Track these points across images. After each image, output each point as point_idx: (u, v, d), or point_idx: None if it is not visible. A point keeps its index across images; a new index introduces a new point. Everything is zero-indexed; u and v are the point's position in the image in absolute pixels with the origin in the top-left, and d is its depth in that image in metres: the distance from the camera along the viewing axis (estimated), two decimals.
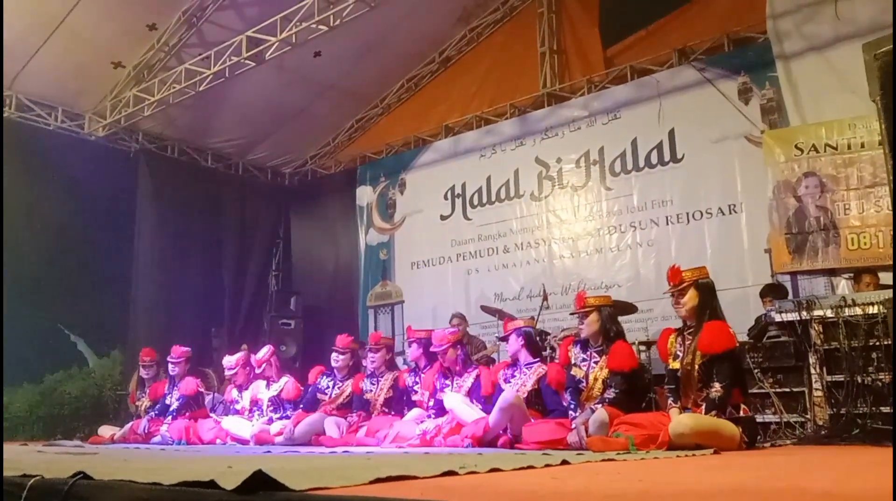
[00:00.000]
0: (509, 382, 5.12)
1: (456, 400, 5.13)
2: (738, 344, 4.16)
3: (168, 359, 7.23)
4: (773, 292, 6.24)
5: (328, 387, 6.41)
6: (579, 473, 2.40)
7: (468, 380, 5.43)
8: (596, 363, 4.58)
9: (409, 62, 10.17)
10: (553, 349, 6.22)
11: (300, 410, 6.30)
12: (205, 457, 3.83)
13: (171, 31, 8.65)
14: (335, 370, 6.43)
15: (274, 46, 7.68)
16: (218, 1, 8.37)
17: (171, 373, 7.20)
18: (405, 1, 7.47)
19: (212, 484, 1.71)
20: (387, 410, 6.02)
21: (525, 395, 4.95)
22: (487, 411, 4.97)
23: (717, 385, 3.94)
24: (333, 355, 6.39)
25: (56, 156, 9.12)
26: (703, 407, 3.96)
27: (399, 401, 6.04)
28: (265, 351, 6.78)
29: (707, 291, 4.21)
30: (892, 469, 2.08)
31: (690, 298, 4.19)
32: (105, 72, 9.01)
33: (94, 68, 8.93)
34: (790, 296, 6.32)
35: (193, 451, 5.20)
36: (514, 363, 5.26)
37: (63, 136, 9.40)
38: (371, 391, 6.15)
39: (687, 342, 4.18)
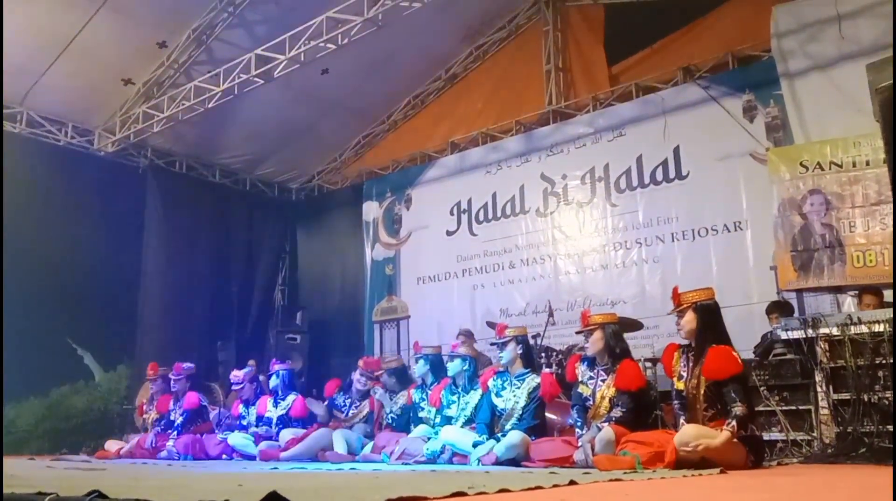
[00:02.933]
0: (500, 396, 5.11)
1: (451, 434, 5.13)
2: (744, 367, 4.15)
3: (170, 375, 7.25)
4: (779, 309, 6.25)
5: (344, 405, 6.41)
6: (588, 494, 2.42)
7: (474, 397, 5.43)
8: (603, 381, 4.57)
9: (416, 79, 10.26)
10: (560, 365, 6.22)
11: (316, 424, 6.31)
12: (213, 474, 3.85)
13: (181, 48, 8.76)
14: (354, 390, 6.44)
15: (282, 64, 7.77)
16: (227, 19, 8.48)
17: (173, 389, 7.22)
18: (412, 20, 7.53)
19: None
20: (395, 426, 6.01)
21: (520, 413, 4.95)
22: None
23: (739, 405, 3.93)
24: (360, 378, 6.38)
25: (66, 171, 9.23)
26: (733, 424, 3.91)
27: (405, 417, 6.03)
28: (281, 366, 6.80)
29: (707, 313, 4.20)
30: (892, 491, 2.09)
31: (688, 320, 4.20)
32: (115, 88, 9.12)
33: (104, 85, 9.04)
34: (796, 313, 6.33)
35: (201, 467, 5.21)
36: (504, 370, 5.23)
37: (73, 151, 9.50)
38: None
39: (690, 364, 4.19)
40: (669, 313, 4.45)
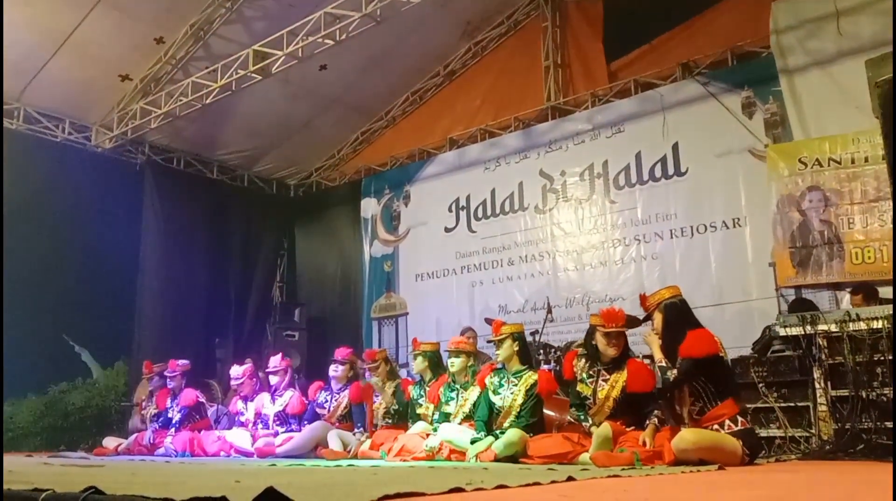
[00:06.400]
0: (498, 393, 5.09)
1: (447, 431, 5.13)
2: (722, 352, 4.12)
3: (165, 373, 7.25)
4: (803, 307, 6.13)
5: (326, 400, 6.43)
6: (586, 490, 2.41)
7: (473, 393, 5.42)
8: (605, 381, 4.53)
9: (414, 76, 10.24)
10: (559, 362, 6.21)
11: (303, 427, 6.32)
12: (211, 471, 3.84)
13: (179, 44, 8.73)
14: (333, 381, 6.45)
15: (280, 60, 7.75)
16: (225, 15, 8.45)
17: (169, 386, 7.22)
18: (410, 16, 7.52)
19: (223, 500, 1.73)
20: (389, 420, 6.01)
21: (518, 410, 4.94)
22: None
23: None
24: (333, 365, 6.41)
25: (63, 168, 9.21)
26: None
27: (404, 410, 6.02)
28: (278, 360, 6.77)
29: (673, 310, 4.22)
30: (892, 487, 2.09)
31: (658, 322, 4.25)
32: (112, 84, 9.09)
33: (101, 81, 9.02)
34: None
35: (198, 464, 5.20)
36: (501, 367, 5.20)
37: (70, 148, 9.48)
38: (375, 401, 6.15)
39: (674, 355, 4.17)
40: (643, 320, 4.47)
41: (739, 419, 3.99)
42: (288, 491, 1.78)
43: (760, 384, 4.98)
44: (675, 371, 4.03)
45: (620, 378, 4.45)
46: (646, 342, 4.37)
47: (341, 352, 6.48)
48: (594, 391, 4.50)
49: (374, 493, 1.94)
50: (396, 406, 5.97)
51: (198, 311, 9.91)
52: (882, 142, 3.86)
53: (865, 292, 5.82)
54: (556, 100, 9.04)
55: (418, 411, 5.80)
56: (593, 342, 4.60)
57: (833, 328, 4.70)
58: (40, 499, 2.00)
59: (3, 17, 7.13)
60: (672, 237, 7.78)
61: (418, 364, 5.95)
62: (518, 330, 5.24)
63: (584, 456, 4.22)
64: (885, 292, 5.78)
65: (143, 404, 7.64)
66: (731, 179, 7.44)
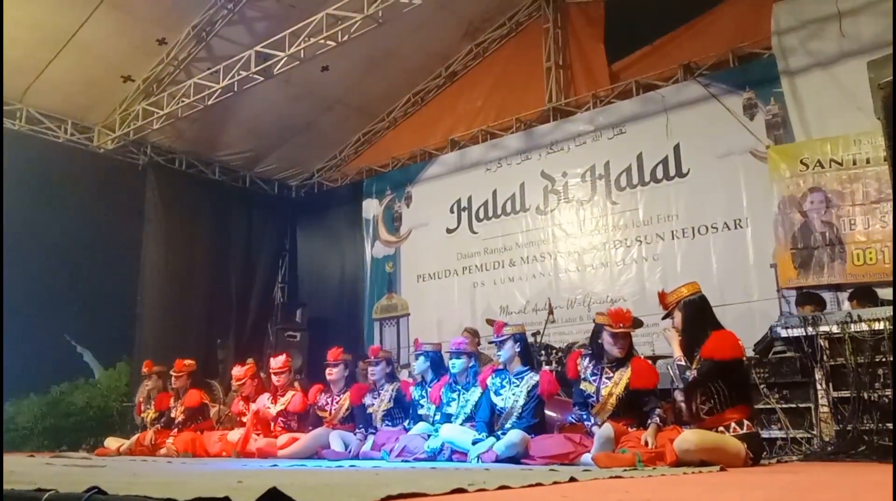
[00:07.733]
0: (499, 394, 5.10)
1: (451, 431, 5.12)
2: (744, 356, 4.15)
3: (171, 372, 7.25)
4: (810, 301, 6.14)
5: (327, 403, 6.41)
6: (588, 491, 2.41)
7: (475, 394, 5.43)
8: (609, 378, 4.53)
9: (416, 76, 10.25)
10: (560, 362, 6.21)
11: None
12: (213, 471, 3.84)
13: (181, 45, 8.75)
14: (331, 385, 6.44)
15: (282, 61, 7.77)
16: (227, 16, 8.47)
17: (174, 386, 7.22)
18: (412, 17, 7.53)
19: (226, 500, 1.73)
20: (389, 422, 6.01)
21: (519, 411, 4.95)
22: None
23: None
24: (327, 369, 6.40)
25: (65, 169, 9.22)
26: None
27: (405, 412, 6.02)
28: (282, 360, 6.76)
29: (692, 308, 4.22)
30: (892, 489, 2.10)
31: (678, 320, 4.26)
32: (114, 85, 9.11)
33: (103, 82, 9.04)
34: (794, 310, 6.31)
35: (200, 464, 5.20)
36: (502, 368, 5.19)
37: (72, 149, 9.50)
38: (373, 404, 6.14)
39: (692, 354, 4.18)
40: (662, 318, 4.46)
41: (746, 422, 3.99)
42: (290, 492, 1.79)
43: (762, 386, 4.97)
44: (693, 371, 4.03)
45: (624, 376, 4.44)
46: (665, 338, 4.38)
47: (333, 354, 6.45)
48: (598, 389, 4.49)
49: (377, 493, 1.94)
50: (393, 407, 5.98)
51: (199, 311, 9.93)
52: (884, 143, 3.86)
53: (861, 297, 5.78)
54: (558, 101, 9.05)
55: (420, 412, 5.80)
56: (599, 341, 4.60)
57: (834, 329, 4.69)
58: (43, 499, 2.00)
59: (3, 17, 7.14)
60: (673, 238, 7.79)
61: (420, 365, 5.94)
62: (519, 331, 5.24)
63: (586, 457, 4.21)
64: (884, 293, 5.77)
65: (142, 407, 7.63)
66: (732, 180, 7.45)
